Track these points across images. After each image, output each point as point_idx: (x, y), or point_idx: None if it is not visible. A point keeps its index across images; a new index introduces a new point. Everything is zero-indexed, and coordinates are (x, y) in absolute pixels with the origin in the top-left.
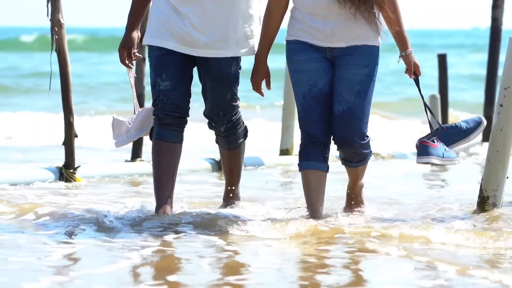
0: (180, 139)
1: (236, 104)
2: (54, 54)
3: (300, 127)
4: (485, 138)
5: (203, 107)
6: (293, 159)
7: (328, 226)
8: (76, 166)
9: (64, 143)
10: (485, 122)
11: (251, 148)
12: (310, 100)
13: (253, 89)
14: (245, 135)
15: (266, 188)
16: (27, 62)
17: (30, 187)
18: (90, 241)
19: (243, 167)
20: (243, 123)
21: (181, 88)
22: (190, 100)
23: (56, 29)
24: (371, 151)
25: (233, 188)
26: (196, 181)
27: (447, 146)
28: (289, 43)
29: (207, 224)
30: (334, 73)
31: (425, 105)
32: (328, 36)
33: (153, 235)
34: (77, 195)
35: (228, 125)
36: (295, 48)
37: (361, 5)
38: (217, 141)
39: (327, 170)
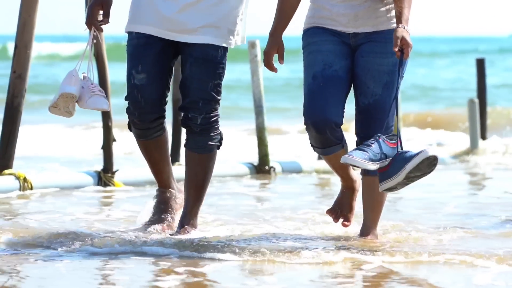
0: (162, 130)
1: (218, 98)
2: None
3: (304, 113)
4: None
5: (236, 115)
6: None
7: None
8: (114, 170)
9: (102, 147)
10: (427, 154)
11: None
12: (321, 80)
13: (264, 64)
14: (219, 142)
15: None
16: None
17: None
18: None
19: (280, 171)
20: (219, 130)
21: (157, 82)
22: (168, 94)
23: (95, 34)
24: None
25: (192, 211)
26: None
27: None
28: (308, 28)
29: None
30: (357, 62)
31: (396, 97)
32: (352, 19)
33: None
34: (118, 205)
35: (206, 116)
36: (312, 32)
37: None
38: (186, 145)
39: (344, 146)
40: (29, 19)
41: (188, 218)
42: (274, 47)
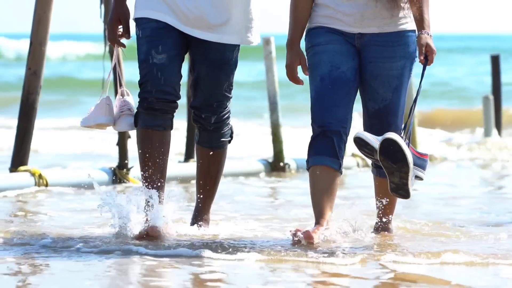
0: (171, 126)
1: (231, 96)
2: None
3: (312, 117)
4: None
5: (251, 110)
6: (347, 160)
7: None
8: (129, 166)
9: (117, 144)
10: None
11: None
12: (328, 82)
13: (288, 77)
14: (231, 137)
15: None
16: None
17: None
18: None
19: (295, 168)
20: (230, 123)
21: (175, 65)
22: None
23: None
24: None
25: (205, 206)
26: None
27: None
28: (311, 28)
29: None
30: (364, 67)
31: (415, 102)
32: (358, 20)
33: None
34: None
35: (218, 116)
36: (316, 33)
37: None
38: (198, 141)
39: (340, 169)
40: (44, 16)
41: (202, 214)
42: (296, 59)
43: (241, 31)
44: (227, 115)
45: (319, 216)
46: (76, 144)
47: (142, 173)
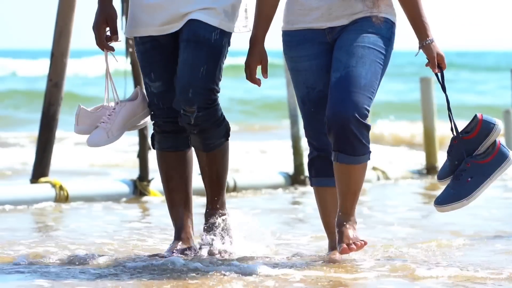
0: (187, 145)
1: (212, 87)
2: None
3: (306, 137)
4: None
5: (274, 122)
6: (367, 173)
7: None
8: (150, 178)
9: (138, 156)
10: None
11: None
12: (310, 105)
13: (246, 77)
14: (225, 135)
15: None
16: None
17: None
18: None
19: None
20: (224, 120)
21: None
22: None
23: (130, 42)
24: (370, 152)
25: (214, 200)
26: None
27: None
28: (284, 34)
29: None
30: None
31: (449, 108)
32: (325, 13)
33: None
34: (153, 216)
35: (199, 114)
36: (289, 42)
37: None
38: (192, 143)
39: None
40: (66, 28)
41: (213, 212)
42: (257, 59)
43: (219, 14)
44: (213, 114)
45: (331, 235)
46: (96, 155)
47: (165, 195)
